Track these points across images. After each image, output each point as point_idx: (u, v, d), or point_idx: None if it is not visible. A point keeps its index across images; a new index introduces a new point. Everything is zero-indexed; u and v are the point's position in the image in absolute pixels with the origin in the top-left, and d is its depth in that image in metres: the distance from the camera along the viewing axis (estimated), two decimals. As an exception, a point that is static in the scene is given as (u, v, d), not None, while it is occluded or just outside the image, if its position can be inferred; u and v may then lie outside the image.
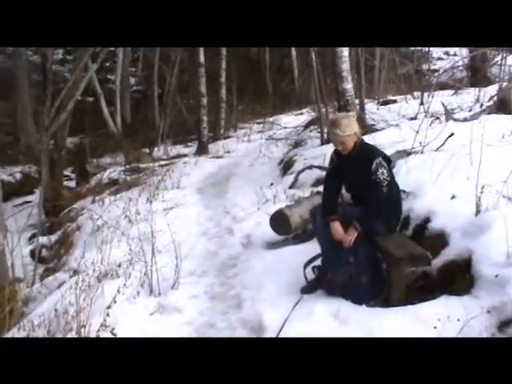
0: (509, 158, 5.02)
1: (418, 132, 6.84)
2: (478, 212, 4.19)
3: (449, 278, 3.84)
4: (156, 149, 18.19)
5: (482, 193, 4.19)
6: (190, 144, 19.22)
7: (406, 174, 6.08)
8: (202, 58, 16.33)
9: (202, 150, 16.73)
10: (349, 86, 9.53)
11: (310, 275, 4.45)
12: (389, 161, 4.34)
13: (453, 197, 4.75)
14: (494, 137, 6.27)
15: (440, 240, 4.25)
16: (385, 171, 4.14)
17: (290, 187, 8.24)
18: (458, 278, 3.74)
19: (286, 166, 10.08)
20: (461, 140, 6.37)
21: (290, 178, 8.79)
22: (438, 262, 4.03)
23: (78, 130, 17.05)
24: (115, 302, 4.26)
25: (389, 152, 7.21)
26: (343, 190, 4.68)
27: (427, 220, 4.59)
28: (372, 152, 4.27)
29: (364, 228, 4.10)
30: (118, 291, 4.42)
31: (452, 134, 6.47)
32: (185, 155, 17.41)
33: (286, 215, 5.60)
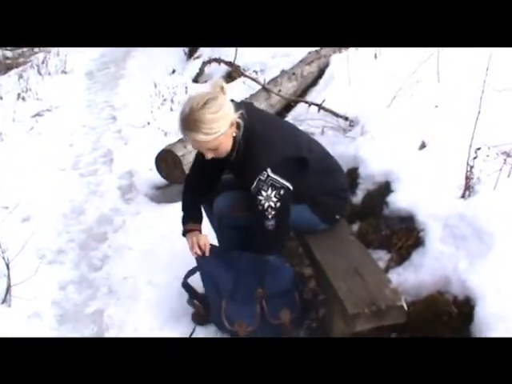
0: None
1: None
2: (467, 190, 2.61)
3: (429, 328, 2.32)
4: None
5: (475, 158, 2.59)
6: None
7: (345, 80, 4.43)
8: None
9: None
10: None
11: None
12: (301, 163, 2.48)
13: (422, 145, 3.15)
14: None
15: (408, 231, 2.69)
16: (272, 194, 2.35)
17: (195, 80, 6.69)
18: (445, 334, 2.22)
19: (193, 45, 8.24)
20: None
21: (195, 65, 7.06)
22: (407, 282, 2.48)
23: None
24: None
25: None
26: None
27: (386, 187, 2.99)
28: (258, 159, 2.37)
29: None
30: None
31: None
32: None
33: (177, 157, 3.87)
